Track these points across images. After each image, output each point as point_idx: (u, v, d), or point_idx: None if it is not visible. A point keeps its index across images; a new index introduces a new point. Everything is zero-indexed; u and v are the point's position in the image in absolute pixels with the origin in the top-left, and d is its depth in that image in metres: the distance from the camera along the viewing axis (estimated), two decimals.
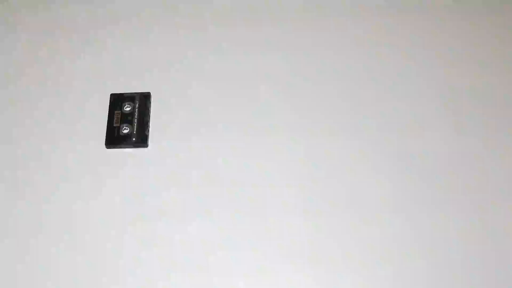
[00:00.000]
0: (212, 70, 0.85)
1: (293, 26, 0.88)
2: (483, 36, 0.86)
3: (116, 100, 0.82)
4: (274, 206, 0.74)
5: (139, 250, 0.72)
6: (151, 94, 0.83)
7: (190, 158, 0.78)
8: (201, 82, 0.84)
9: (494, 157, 0.76)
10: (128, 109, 0.82)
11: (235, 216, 0.73)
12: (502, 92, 0.81)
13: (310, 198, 0.74)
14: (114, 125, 0.81)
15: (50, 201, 0.76)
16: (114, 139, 0.80)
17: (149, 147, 0.79)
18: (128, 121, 0.81)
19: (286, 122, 0.80)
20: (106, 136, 0.80)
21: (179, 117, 0.81)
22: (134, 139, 0.80)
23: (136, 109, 0.82)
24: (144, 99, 0.82)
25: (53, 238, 0.73)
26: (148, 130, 0.80)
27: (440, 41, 0.86)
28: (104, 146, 0.80)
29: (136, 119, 0.81)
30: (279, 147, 0.78)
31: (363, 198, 0.74)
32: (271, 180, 0.75)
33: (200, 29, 0.88)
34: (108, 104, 0.82)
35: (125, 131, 0.80)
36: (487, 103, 0.80)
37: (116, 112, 0.81)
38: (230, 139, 0.79)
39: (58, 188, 0.77)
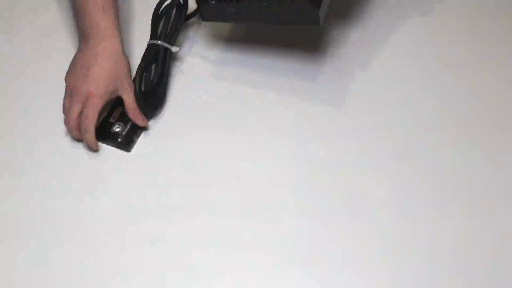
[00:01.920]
0: (210, 72, 0.85)
1: None
2: (484, 37, 0.86)
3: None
4: (274, 206, 0.73)
5: (129, 250, 0.71)
6: None
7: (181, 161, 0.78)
8: (199, 84, 0.84)
9: (494, 157, 0.76)
10: None
11: (235, 215, 0.73)
12: (503, 92, 0.81)
13: (310, 198, 0.74)
14: (110, 120, 0.80)
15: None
16: (103, 133, 0.79)
17: (131, 152, 0.78)
18: (124, 121, 0.80)
19: (287, 121, 0.80)
20: (98, 127, 0.78)
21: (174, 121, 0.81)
22: (120, 140, 0.79)
23: None
24: None
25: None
26: (138, 137, 0.79)
27: (440, 41, 0.86)
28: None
29: (131, 122, 0.80)
30: (279, 147, 0.78)
31: (363, 198, 0.73)
32: (272, 180, 0.75)
33: None
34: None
35: (117, 130, 0.79)
36: (487, 103, 0.80)
37: (117, 108, 0.81)
38: (227, 140, 0.79)
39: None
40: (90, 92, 0.73)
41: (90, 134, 0.74)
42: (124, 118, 0.80)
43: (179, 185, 0.76)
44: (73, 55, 0.79)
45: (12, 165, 0.77)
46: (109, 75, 0.74)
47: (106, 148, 0.79)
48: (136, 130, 0.79)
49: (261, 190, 0.74)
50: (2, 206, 0.75)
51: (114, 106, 0.81)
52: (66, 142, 0.79)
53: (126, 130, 0.79)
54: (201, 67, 0.84)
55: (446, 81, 0.82)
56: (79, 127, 0.74)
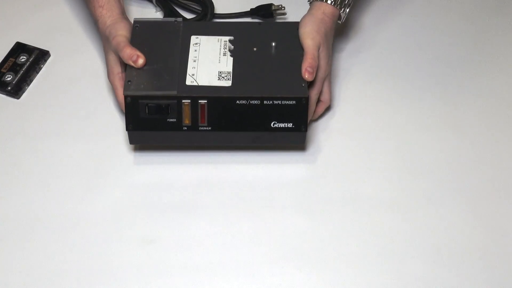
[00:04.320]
0: None
1: None
2: (483, 36, 0.86)
3: (17, 48, 0.83)
4: (273, 204, 0.73)
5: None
6: (50, 54, 0.83)
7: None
8: None
9: (494, 157, 0.76)
10: (22, 60, 0.82)
11: (234, 215, 0.72)
12: (503, 91, 0.81)
13: (310, 198, 0.73)
14: (2, 70, 0.81)
15: None
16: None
17: (20, 99, 0.79)
18: (15, 71, 0.81)
19: None
20: None
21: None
22: (10, 88, 0.80)
23: (29, 62, 0.82)
24: (41, 56, 0.82)
25: None
26: (28, 85, 0.80)
27: (441, 40, 0.85)
28: None
29: (22, 71, 0.81)
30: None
31: (363, 197, 0.73)
32: (271, 179, 0.74)
33: None
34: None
35: (8, 79, 0.80)
36: (488, 103, 0.80)
37: (10, 59, 0.82)
38: None
39: None
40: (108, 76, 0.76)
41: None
42: (16, 68, 0.81)
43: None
44: None
45: None
46: (105, 50, 0.75)
47: None
48: (26, 78, 0.80)
49: (259, 188, 0.74)
50: None
51: (9, 56, 0.82)
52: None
53: (16, 79, 0.80)
54: None
55: (444, 81, 0.82)
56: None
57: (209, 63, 0.72)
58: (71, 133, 0.77)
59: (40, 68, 0.81)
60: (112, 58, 0.74)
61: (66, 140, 0.76)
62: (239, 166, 0.75)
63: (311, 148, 0.76)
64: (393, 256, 0.69)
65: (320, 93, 0.75)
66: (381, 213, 0.71)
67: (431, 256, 0.69)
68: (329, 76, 0.75)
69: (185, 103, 0.70)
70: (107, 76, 0.75)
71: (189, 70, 0.72)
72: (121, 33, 0.73)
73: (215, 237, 0.70)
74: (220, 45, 0.74)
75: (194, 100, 0.70)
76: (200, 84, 0.70)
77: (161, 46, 0.74)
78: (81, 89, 0.80)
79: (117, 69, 0.74)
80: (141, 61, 0.71)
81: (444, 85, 0.81)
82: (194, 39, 0.75)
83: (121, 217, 0.71)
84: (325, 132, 0.77)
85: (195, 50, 0.74)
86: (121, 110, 0.76)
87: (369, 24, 0.86)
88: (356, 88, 0.81)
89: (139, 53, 0.71)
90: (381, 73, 0.82)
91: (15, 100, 0.79)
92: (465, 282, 0.67)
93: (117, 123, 0.77)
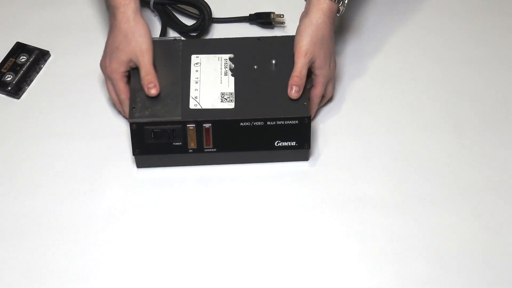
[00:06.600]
0: None
1: None
2: (484, 36, 0.87)
3: (17, 48, 0.83)
4: (273, 204, 0.73)
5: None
6: (50, 54, 0.83)
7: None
8: None
9: (494, 157, 0.77)
10: (22, 60, 0.82)
11: (234, 213, 0.72)
12: (503, 92, 0.82)
13: (311, 198, 0.73)
14: (2, 70, 0.81)
15: None
16: None
17: (20, 99, 0.79)
18: (15, 71, 0.81)
19: None
20: None
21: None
22: (10, 88, 0.80)
23: (29, 62, 0.82)
24: (41, 56, 0.82)
25: None
26: (28, 85, 0.80)
27: (442, 40, 0.86)
28: None
29: (22, 71, 0.81)
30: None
31: (363, 197, 0.73)
32: (272, 179, 0.75)
33: None
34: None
35: (8, 79, 0.80)
36: (487, 103, 0.81)
37: (10, 59, 0.82)
38: None
39: None
40: (109, 70, 0.74)
41: (123, 106, 0.75)
42: (15, 68, 0.81)
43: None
44: None
45: None
46: (119, 48, 0.73)
47: None
48: (27, 78, 0.80)
49: (259, 188, 0.74)
50: None
51: (9, 56, 0.82)
52: None
53: (16, 79, 0.80)
54: None
55: (444, 81, 0.82)
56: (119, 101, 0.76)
57: (211, 84, 0.73)
58: (71, 133, 0.77)
59: (40, 68, 0.81)
60: (125, 58, 0.72)
61: (66, 140, 0.76)
62: (239, 165, 0.75)
63: (312, 149, 0.76)
64: (393, 256, 0.69)
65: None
66: (381, 213, 0.72)
67: (431, 256, 0.69)
68: (333, 78, 0.76)
69: (190, 128, 0.70)
70: (104, 65, 0.73)
71: (192, 93, 0.72)
72: (150, 49, 0.72)
73: (215, 237, 0.71)
74: (221, 63, 0.75)
75: (199, 124, 0.70)
76: (203, 107, 0.71)
77: (162, 67, 0.74)
78: (81, 89, 0.80)
79: (122, 69, 0.73)
80: (153, 91, 0.72)
81: (444, 85, 0.82)
82: (194, 58, 0.75)
83: (121, 217, 0.71)
84: (325, 132, 0.78)
85: (196, 71, 0.74)
86: (117, 109, 0.77)
87: (367, 25, 0.87)
88: (357, 89, 0.81)
89: (157, 84, 0.72)
90: (381, 73, 0.83)
91: (15, 100, 0.79)
92: (465, 282, 0.68)
93: (117, 123, 0.77)
